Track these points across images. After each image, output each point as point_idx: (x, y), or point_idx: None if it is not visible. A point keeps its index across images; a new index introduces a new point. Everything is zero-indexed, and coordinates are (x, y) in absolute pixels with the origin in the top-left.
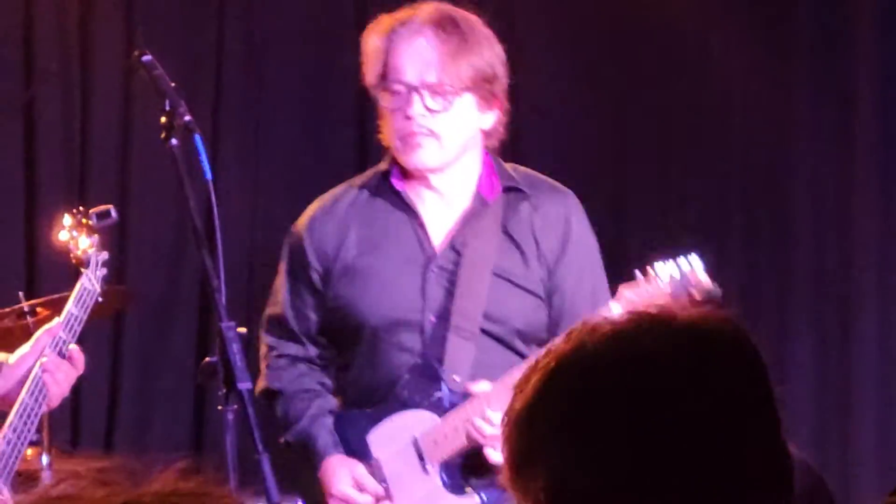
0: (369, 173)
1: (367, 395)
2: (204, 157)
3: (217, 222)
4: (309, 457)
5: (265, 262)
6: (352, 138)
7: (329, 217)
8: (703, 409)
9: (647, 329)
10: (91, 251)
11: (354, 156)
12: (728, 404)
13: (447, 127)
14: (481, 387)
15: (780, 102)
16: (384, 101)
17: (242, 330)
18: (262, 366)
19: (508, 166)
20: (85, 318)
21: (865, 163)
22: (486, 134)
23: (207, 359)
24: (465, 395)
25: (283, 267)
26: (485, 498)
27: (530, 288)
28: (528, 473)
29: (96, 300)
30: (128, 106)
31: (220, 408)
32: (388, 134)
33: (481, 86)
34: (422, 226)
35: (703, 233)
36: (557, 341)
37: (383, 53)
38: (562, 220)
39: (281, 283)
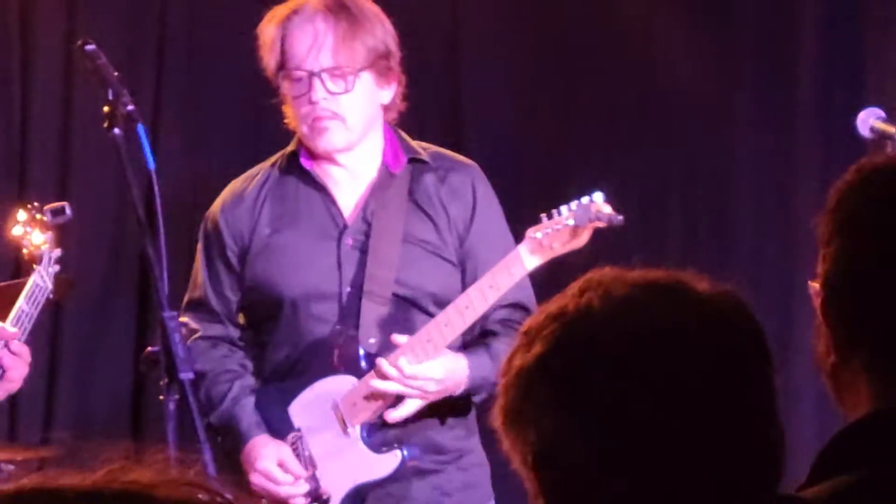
0: (277, 155)
1: (287, 370)
2: (147, 147)
3: (160, 212)
4: (233, 439)
5: None
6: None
7: (241, 198)
8: (707, 386)
9: (660, 300)
10: (44, 248)
11: None
12: (730, 380)
13: (350, 107)
14: (399, 338)
15: (722, 88)
16: (285, 88)
17: (184, 319)
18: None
19: (414, 143)
20: (36, 314)
21: (805, 147)
22: (386, 108)
23: (149, 348)
24: (378, 358)
25: (200, 250)
26: (405, 453)
27: (442, 254)
28: (519, 429)
29: (48, 297)
30: (68, 95)
31: (161, 397)
32: (294, 120)
33: (377, 63)
34: (332, 201)
35: (642, 221)
36: (569, 294)
37: (279, 42)
38: (468, 190)
39: (199, 267)
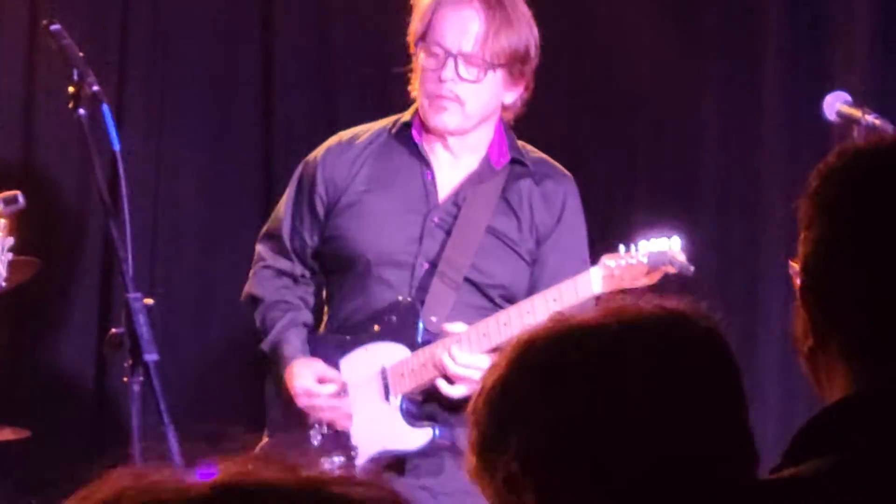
0: (391, 119)
1: (348, 324)
2: (112, 128)
3: (124, 193)
4: (279, 366)
5: (168, 234)
6: (258, 109)
7: (345, 150)
8: (671, 381)
9: (623, 319)
10: None
11: (260, 127)
12: (697, 379)
13: (474, 97)
14: (456, 327)
15: (687, 71)
16: (420, 58)
17: (149, 301)
18: (251, 273)
19: (519, 143)
20: None
21: (771, 130)
22: (505, 107)
23: (113, 330)
24: (438, 336)
25: (290, 188)
26: (437, 432)
27: (519, 251)
28: (498, 448)
29: (0, 285)
30: (31, 75)
31: (125, 379)
32: (418, 90)
33: (513, 64)
34: (431, 177)
35: (608, 201)
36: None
37: (430, 12)
38: (559, 199)
39: (285, 203)
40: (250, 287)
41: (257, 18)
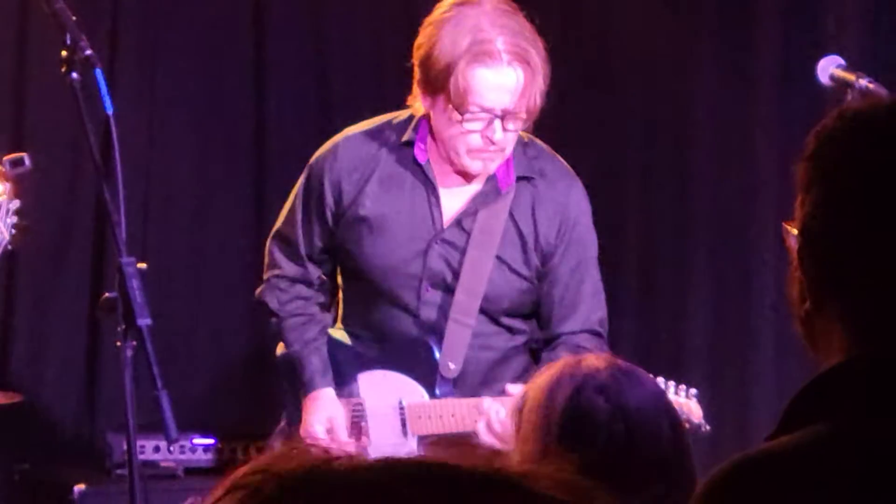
0: (394, 121)
1: (364, 336)
2: (105, 92)
3: (118, 157)
4: (295, 382)
5: (161, 199)
6: (249, 73)
7: (352, 155)
8: None
9: None
10: (2, 199)
11: (252, 89)
12: None
13: (511, 143)
14: (513, 388)
15: (681, 40)
16: (457, 111)
17: (142, 265)
18: (265, 276)
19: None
20: None
21: (766, 102)
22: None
23: (106, 294)
24: (456, 385)
25: (299, 188)
26: None
27: (524, 273)
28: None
29: (5, 248)
30: (23, 39)
31: (118, 343)
32: (446, 137)
33: (535, 111)
34: (437, 200)
35: (601, 180)
36: None
37: (461, 69)
38: (565, 211)
39: (296, 205)
40: (265, 296)
41: None
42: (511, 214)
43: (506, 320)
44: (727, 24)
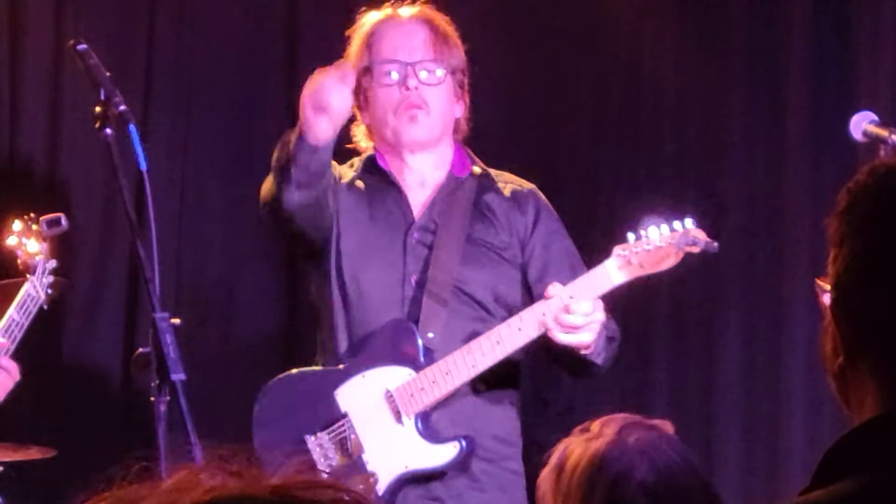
0: (354, 161)
1: (346, 353)
2: (139, 148)
3: (151, 212)
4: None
5: (193, 254)
6: (284, 128)
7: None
8: None
9: None
10: (39, 258)
11: None
12: None
13: (437, 100)
14: (554, 290)
15: (712, 94)
16: (375, 82)
17: (176, 321)
18: None
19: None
20: (27, 324)
21: (797, 151)
22: (456, 124)
23: (140, 349)
24: (439, 351)
25: None
26: (464, 444)
27: (503, 255)
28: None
29: (40, 307)
30: (57, 95)
31: (152, 399)
32: (379, 115)
33: (457, 73)
34: (404, 198)
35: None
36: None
37: (370, 41)
38: (530, 206)
39: None
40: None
41: (283, 37)
42: (476, 205)
43: (492, 306)
44: (758, 79)
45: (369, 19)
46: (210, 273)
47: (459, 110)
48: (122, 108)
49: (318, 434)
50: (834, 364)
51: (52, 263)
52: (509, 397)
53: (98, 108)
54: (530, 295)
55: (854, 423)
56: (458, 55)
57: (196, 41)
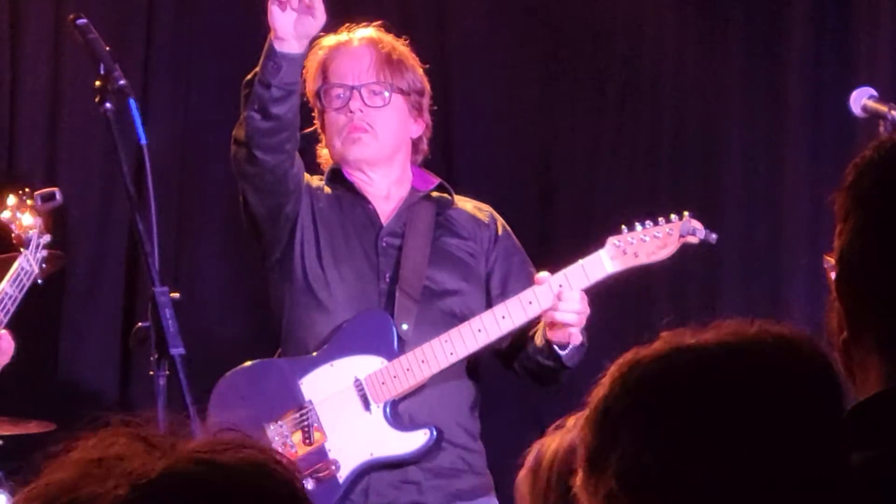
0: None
1: (306, 344)
2: (138, 122)
3: (150, 187)
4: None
5: (192, 228)
6: None
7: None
8: (778, 405)
9: (729, 341)
10: (32, 232)
11: None
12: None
13: (384, 123)
14: (543, 275)
15: (710, 70)
16: (325, 105)
17: (175, 295)
18: None
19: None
20: (20, 297)
21: (796, 126)
22: (414, 147)
23: (139, 324)
24: (408, 345)
25: None
26: (434, 433)
27: (468, 261)
28: (600, 466)
29: (34, 281)
30: (57, 69)
31: (151, 373)
32: (328, 137)
33: (411, 94)
34: (372, 207)
35: (630, 208)
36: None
37: (321, 66)
38: (490, 219)
39: None
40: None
41: None
42: (437, 218)
43: (457, 309)
44: (757, 54)
45: (324, 44)
46: (210, 247)
47: (417, 130)
48: (122, 82)
49: (279, 422)
50: (838, 339)
51: (47, 238)
52: (472, 393)
53: (98, 83)
54: (489, 304)
55: (859, 397)
56: (411, 77)
57: (195, 16)
